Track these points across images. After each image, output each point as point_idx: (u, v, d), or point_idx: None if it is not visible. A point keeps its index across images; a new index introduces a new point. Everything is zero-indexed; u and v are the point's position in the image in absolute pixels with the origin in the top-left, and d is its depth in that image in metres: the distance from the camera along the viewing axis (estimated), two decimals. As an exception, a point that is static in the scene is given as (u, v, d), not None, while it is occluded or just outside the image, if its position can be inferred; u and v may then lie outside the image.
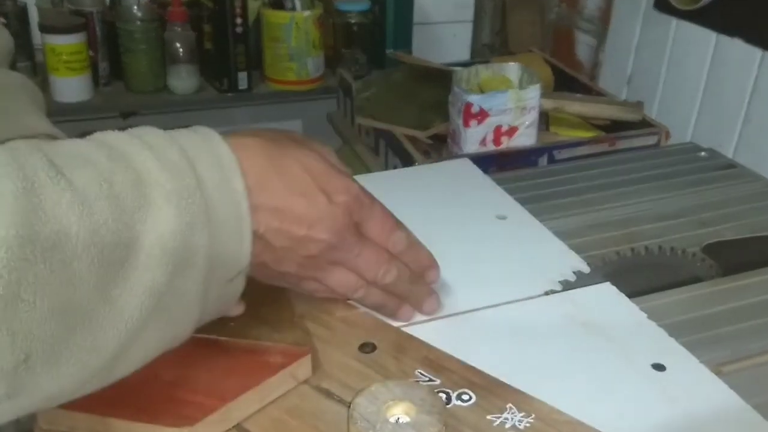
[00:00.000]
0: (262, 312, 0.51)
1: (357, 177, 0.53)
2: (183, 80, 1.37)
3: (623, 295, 0.60)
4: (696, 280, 0.69)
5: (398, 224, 0.53)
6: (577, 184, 0.85)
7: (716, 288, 0.66)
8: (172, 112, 1.48)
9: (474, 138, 1.03)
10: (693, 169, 0.91)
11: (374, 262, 0.51)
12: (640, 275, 0.67)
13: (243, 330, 0.49)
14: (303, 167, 0.47)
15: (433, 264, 0.56)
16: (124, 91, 1.38)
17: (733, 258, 0.72)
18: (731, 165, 0.93)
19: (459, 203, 0.76)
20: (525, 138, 1.04)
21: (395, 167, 1.09)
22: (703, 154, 0.96)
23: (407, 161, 1.05)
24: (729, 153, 1.04)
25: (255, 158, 0.45)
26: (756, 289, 0.65)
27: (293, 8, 1.35)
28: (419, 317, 0.56)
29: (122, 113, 1.47)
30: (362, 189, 0.51)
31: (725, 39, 1.05)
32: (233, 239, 0.42)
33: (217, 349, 0.48)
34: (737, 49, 1.03)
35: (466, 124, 1.02)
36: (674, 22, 1.14)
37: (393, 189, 0.73)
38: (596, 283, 0.61)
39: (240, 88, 1.38)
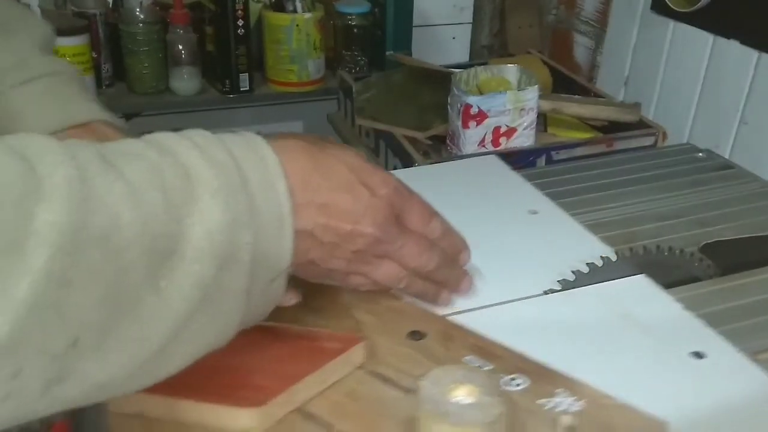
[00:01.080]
0: (314, 302, 0.53)
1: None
2: (185, 82, 1.38)
3: (658, 286, 0.62)
4: (694, 279, 0.70)
5: (435, 212, 0.55)
6: (575, 184, 0.86)
7: (714, 288, 0.66)
8: (174, 114, 1.49)
9: (473, 139, 1.03)
10: (690, 169, 0.92)
11: (417, 252, 0.52)
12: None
13: (298, 318, 0.51)
14: (344, 164, 0.48)
15: (465, 246, 0.58)
16: (127, 93, 1.38)
17: (730, 258, 0.73)
18: (728, 165, 0.93)
19: (491, 199, 0.78)
20: (523, 139, 1.05)
21: (395, 168, 1.10)
22: (700, 154, 0.97)
23: (407, 162, 1.06)
24: (726, 154, 1.05)
25: (298, 160, 0.46)
26: (754, 289, 0.66)
27: (294, 10, 1.36)
28: (463, 306, 0.58)
29: (125, 114, 1.48)
30: (400, 181, 0.52)
31: (722, 41, 1.06)
32: (276, 239, 0.43)
33: (275, 335, 0.50)
34: (734, 50, 1.04)
35: (465, 125, 1.03)
36: (671, 24, 1.15)
37: (427, 185, 0.77)
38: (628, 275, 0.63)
39: (241, 89, 1.39)
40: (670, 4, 1.12)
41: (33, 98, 0.58)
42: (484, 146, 1.04)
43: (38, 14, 0.63)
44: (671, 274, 0.70)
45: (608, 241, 0.73)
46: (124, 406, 0.46)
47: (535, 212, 0.75)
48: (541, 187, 0.85)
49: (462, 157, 1.01)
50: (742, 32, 1.02)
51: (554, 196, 0.83)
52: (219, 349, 0.44)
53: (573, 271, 0.64)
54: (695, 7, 1.07)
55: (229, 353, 0.47)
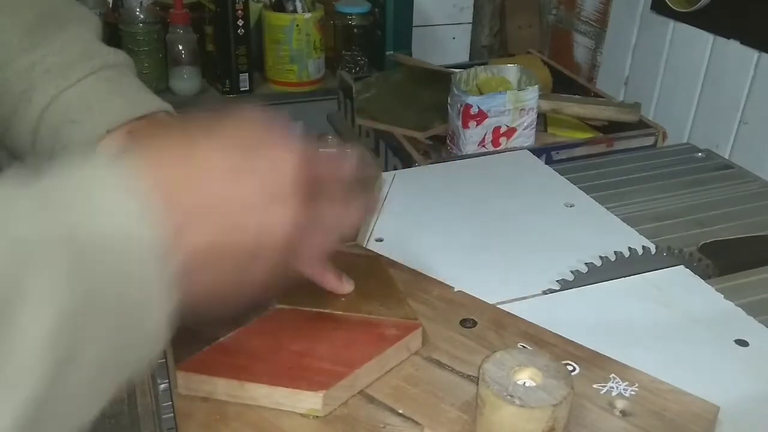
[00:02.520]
0: (369, 289, 0.54)
1: (413, 169, 0.52)
2: (185, 82, 1.38)
3: (698, 276, 0.64)
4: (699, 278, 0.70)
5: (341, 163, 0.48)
6: (575, 184, 0.86)
7: (713, 287, 0.67)
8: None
9: (473, 139, 1.04)
10: (690, 169, 0.92)
11: (336, 224, 0.47)
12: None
13: (355, 305, 0.53)
14: (224, 159, 0.39)
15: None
16: (127, 93, 1.38)
17: (729, 258, 0.73)
18: (728, 165, 0.94)
19: (528, 192, 0.80)
20: (523, 139, 1.05)
21: (395, 168, 1.10)
22: (700, 154, 0.97)
23: (407, 162, 1.06)
24: (726, 154, 1.05)
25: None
26: (752, 289, 0.66)
27: (294, 10, 1.36)
28: (509, 296, 0.60)
29: (124, 114, 1.48)
30: (304, 141, 0.43)
31: (722, 41, 1.06)
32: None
33: (335, 322, 0.51)
34: (734, 50, 1.04)
35: (465, 125, 1.03)
36: (671, 24, 1.15)
37: (463, 177, 0.83)
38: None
39: (241, 89, 1.39)
40: (670, 4, 1.12)
41: (100, 90, 0.56)
42: (484, 146, 1.04)
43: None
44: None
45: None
46: (191, 389, 0.47)
47: (571, 205, 0.77)
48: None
49: (460, 157, 1.01)
50: (742, 32, 1.02)
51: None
52: (286, 333, 0.45)
53: (615, 255, 0.66)
54: (695, 7, 1.07)
55: (293, 339, 0.49)
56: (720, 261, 0.71)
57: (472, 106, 1.02)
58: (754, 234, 0.77)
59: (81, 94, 0.55)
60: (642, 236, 0.71)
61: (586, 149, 1.05)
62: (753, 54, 1.01)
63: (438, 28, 1.59)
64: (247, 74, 1.38)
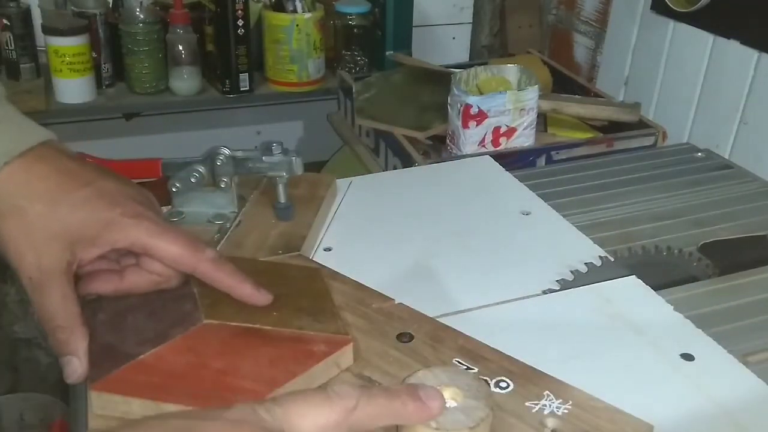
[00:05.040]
0: (302, 303, 0.53)
1: (372, 175, 0.51)
2: (185, 82, 1.38)
3: (648, 287, 0.62)
4: (692, 279, 0.70)
5: None
6: (575, 184, 0.86)
7: (712, 287, 0.67)
8: (174, 113, 1.49)
9: (473, 139, 1.04)
10: (690, 169, 0.92)
11: None
12: (637, 275, 0.68)
13: (285, 320, 0.51)
14: None
15: None
16: (127, 93, 1.38)
17: (729, 258, 0.73)
18: (728, 165, 0.94)
19: (484, 199, 0.78)
20: (523, 139, 1.05)
21: (395, 168, 1.10)
22: (699, 154, 0.97)
23: (407, 162, 1.06)
24: (725, 154, 1.05)
25: None
26: (752, 289, 0.66)
27: (294, 10, 1.36)
28: (453, 308, 0.58)
29: (125, 114, 1.48)
30: None
31: (722, 41, 1.06)
32: None
33: (262, 338, 0.49)
34: (734, 50, 1.04)
35: (465, 125, 1.03)
36: (671, 24, 1.15)
37: (420, 185, 0.81)
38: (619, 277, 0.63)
39: (241, 89, 1.39)
40: (670, 4, 1.12)
41: None
42: (484, 146, 1.04)
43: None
44: (670, 273, 0.70)
45: (608, 240, 0.73)
46: (107, 409, 0.45)
47: (527, 213, 0.75)
48: (541, 187, 0.85)
49: (458, 157, 1.01)
50: (742, 32, 1.02)
51: (554, 196, 0.83)
52: (209, 349, 0.42)
53: (572, 271, 0.65)
54: (695, 7, 1.07)
55: (217, 356, 0.47)
56: (720, 261, 0.71)
57: (472, 106, 1.02)
58: (754, 234, 0.77)
59: None
60: (596, 245, 0.69)
61: (586, 149, 1.05)
62: (753, 54, 1.01)
63: (438, 28, 1.59)
64: (247, 74, 1.38)
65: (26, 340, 1.71)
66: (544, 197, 0.82)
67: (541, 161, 1.04)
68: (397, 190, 0.80)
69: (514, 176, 0.86)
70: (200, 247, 0.50)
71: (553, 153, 1.04)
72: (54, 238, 0.48)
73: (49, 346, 1.79)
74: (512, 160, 1.01)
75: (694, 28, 1.10)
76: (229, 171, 0.66)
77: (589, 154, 1.04)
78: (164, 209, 0.66)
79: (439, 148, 1.11)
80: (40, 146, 0.50)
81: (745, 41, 1.02)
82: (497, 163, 0.87)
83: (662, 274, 0.70)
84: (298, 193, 0.72)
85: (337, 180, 0.78)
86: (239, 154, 0.66)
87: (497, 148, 1.04)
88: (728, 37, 1.04)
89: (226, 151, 0.66)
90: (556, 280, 0.64)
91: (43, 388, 1.63)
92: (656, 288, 0.65)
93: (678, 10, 1.11)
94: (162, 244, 0.49)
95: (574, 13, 1.45)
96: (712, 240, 0.75)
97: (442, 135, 1.11)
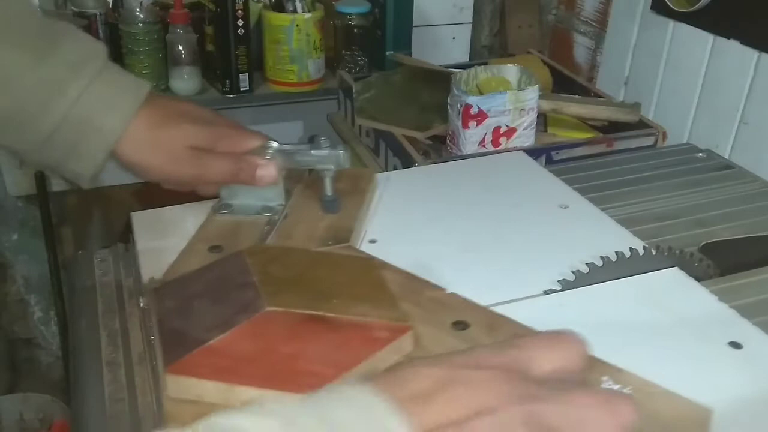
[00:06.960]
0: (359, 291, 0.55)
1: (408, 170, 0.52)
2: (185, 82, 1.38)
3: (692, 278, 0.63)
4: (694, 280, 0.70)
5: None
6: (575, 184, 0.86)
7: (713, 288, 0.66)
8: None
9: (473, 139, 1.04)
10: (690, 169, 0.92)
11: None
12: (637, 274, 0.68)
13: (348, 308, 0.52)
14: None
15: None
16: (126, 93, 1.38)
17: (730, 258, 0.73)
18: (728, 166, 0.94)
19: (522, 193, 0.79)
20: (523, 139, 1.05)
21: (395, 168, 1.10)
22: (700, 154, 0.97)
23: (407, 162, 1.06)
24: (726, 154, 1.05)
25: None
26: (753, 289, 0.66)
27: (294, 10, 1.36)
28: (502, 298, 0.59)
29: (124, 114, 1.48)
30: None
31: (722, 41, 1.06)
32: None
33: (326, 325, 0.51)
34: (734, 50, 1.04)
35: (465, 125, 1.03)
36: (671, 23, 1.15)
37: (455, 179, 0.83)
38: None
39: (241, 89, 1.39)
40: (670, 4, 1.12)
41: (107, 92, 0.61)
42: (484, 146, 1.04)
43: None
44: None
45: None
46: (180, 392, 0.46)
47: (566, 206, 0.76)
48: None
49: (460, 157, 1.01)
50: (743, 32, 1.02)
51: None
52: (277, 335, 0.45)
53: (611, 260, 0.65)
54: (695, 7, 1.07)
55: (284, 341, 0.48)
56: (721, 261, 0.71)
57: (472, 106, 1.02)
58: (754, 234, 0.77)
59: (98, 92, 0.60)
60: (636, 237, 0.70)
61: (586, 149, 1.05)
62: (753, 54, 1.01)
63: (438, 28, 1.59)
64: (247, 74, 1.38)
65: (26, 340, 1.71)
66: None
67: (542, 161, 1.04)
68: (434, 184, 0.81)
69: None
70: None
71: (553, 153, 1.04)
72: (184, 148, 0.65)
73: (48, 345, 1.79)
74: (512, 161, 1.01)
75: (694, 28, 1.10)
76: (277, 164, 0.68)
77: (589, 155, 1.04)
78: (211, 202, 0.71)
79: (439, 148, 1.11)
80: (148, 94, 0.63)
81: (745, 41, 1.02)
82: (531, 158, 0.88)
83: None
84: (342, 186, 0.73)
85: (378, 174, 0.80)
86: (288, 147, 0.68)
87: (497, 149, 1.04)
88: (728, 37, 1.04)
89: (275, 145, 0.68)
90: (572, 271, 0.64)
91: (43, 388, 1.63)
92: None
93: (678, 10, 1.11)
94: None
95: (574, 13, 1.45)
96: (713, 240, 0.75)
97: (442, 135, 1.11)
